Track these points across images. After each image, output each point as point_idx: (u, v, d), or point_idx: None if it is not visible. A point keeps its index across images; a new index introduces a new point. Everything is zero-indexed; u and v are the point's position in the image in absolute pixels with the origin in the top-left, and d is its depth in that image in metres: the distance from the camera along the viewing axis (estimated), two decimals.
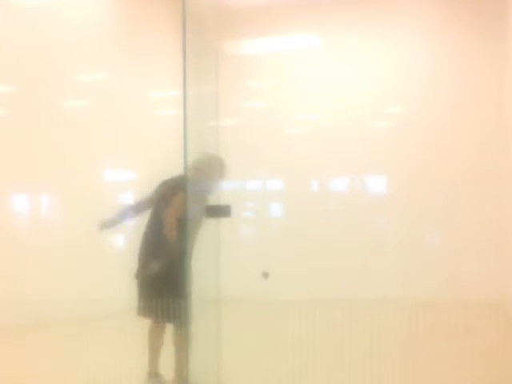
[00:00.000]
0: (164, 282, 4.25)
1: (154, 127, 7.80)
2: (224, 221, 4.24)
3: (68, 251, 6.83)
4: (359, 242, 7.78)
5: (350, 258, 7.74)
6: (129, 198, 8.19)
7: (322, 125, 8.28)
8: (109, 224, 4.57)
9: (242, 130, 8.00)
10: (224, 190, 4.65)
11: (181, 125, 3.95)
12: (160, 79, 7.90)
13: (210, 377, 4.34)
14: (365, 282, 7.61)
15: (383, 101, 8.01)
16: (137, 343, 5.23)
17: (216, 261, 4.42)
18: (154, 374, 4.47)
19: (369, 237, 7.90)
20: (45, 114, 6.92)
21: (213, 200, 4.41)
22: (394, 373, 4.74)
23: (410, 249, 7.69)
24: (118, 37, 7.63)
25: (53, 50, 6.91)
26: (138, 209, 4.61)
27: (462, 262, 7.44)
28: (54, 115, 7.02)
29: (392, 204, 8.05)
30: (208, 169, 4.36)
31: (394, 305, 5.45)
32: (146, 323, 4.68)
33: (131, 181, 8.14)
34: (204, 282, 4.31)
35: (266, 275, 4.66)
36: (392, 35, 7.94)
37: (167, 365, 4.53)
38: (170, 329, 4.53)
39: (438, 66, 7.81)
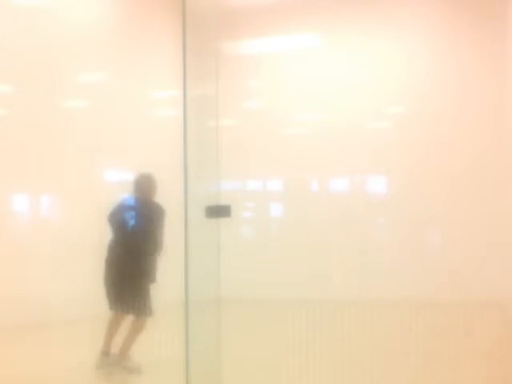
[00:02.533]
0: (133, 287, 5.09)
1: (154, 127, 7.80)
2: (224, 221, 4.24)
3: (68, 251, 6.82)
4: (359, 242, 7.77)
5: (349, 257, 7.74)
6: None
7: (321, 125, 8.28)
8: None
9: (241, 130, 8.00)
10: (224, 190, 4.65)
11: (181, 125, 3.95)
12: (160, 79, 7.90)
13: (210, 376, 4.34)
14: (365, 282, 7.60)
15: (383, 101, 8.01)
16: (136, 342, 5.23)
17: (216, 261, 4.41)
18: (105, 353, 5.12)
19: (369, 237, 7.90)
20: (45, 114, 6.92)
21: (213, 200, 4.41)
22: (394, 373, 4.74)
23: (410, 249, 7.69)
24: (118, 37, 7.63)
25: (53, 50, 6.91)
26: None
27: (462, 262, 7.44)
28: (54, 115, 7.02)
29: (392, 204, 8.05)
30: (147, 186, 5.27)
31: (394, 305, 5.45)
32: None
33: (131, 181, 8.14)
34: (204, 281, 4.31)
35: None
36: (392, 35, 7.94)
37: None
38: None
39: (438, 65, 7.81)
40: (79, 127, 7.13)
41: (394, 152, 7.87)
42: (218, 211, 4.15)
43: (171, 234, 5.01)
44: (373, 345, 5.20)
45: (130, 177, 8.03)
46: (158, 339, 5.44)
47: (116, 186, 7.88)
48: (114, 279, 5.09)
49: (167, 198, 5.40)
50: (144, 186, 5.29)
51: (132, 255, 5.06)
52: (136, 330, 5.09)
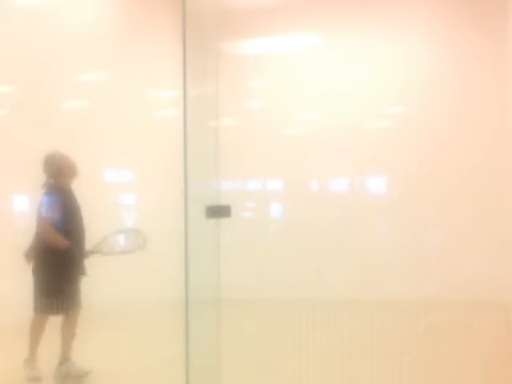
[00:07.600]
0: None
1: (155, 127, 7.80)
2: (224, 221, 4.24)
3: None
4: (359, 242, 7.77)
5: (350, 257, 7.74)
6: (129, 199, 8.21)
7: (321, 125, 8.28)
8: None
9: (241, 129, 8.00)
10: (224, 190, 4.65)
11: (181, 125, 3.95)
12: (160, 79, 7.90)
13: (210, 376, 4.34)
14: (365, 282, 7.60)
15: (383, 101, 8.01)
16: (136, 341, 5.23)
17: (216, 261, 4.42)
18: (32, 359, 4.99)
19: (369, 237, 7.90)
20: (45, 114, 6.91)
21: (213, 200, 4.41)
22: (394, 373, 4.73)
23: (411, 249, 7.69)
24: (118, 37, 7.64)
25: (53, 50, 6.91)
26: None
27: (462, 262, 7.44)
28: (54, 115, 7.02)
29: (392, 204, 8.05)
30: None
31: (394, 305, 5.45)
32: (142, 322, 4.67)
33: (131, 181, 8.16)
34: (204, 281, 4.31)
35: None
36: (392, 35, 7.94)
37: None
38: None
39: (438, 66, 7.81)
40: (79, 127, 7.12)
41: (394, 152, 7.87)
42: (218, 211, 4.16)
43: (171, 234, 5.02)
44: (373, 345, 5.19)
45: (129, 177, 8.09)
46: (158, 339, 5.44)
47: (116, 186, 7.89)
48: None
49: (167, 197, 5.41)
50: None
51: None
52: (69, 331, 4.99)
